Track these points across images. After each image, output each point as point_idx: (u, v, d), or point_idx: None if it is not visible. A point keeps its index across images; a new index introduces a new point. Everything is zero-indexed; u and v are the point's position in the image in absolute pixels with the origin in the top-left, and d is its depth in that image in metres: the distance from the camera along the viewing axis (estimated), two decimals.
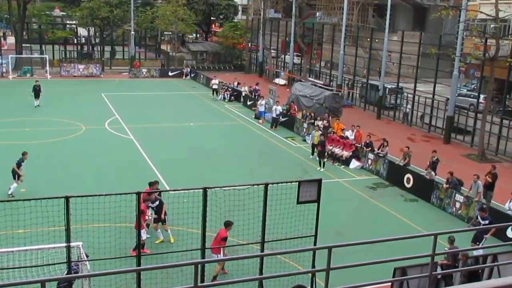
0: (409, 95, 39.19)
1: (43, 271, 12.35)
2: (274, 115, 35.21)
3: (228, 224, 15.26)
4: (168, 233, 17.30)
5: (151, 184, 17.33)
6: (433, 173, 23.37)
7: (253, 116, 38.15)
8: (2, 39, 69.41)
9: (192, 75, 58.33)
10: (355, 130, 29.21)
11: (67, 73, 55.00)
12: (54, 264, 12.32)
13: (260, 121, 36.77)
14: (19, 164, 20.83)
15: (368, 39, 46.33)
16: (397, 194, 23.42)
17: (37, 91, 37.80)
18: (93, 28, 68.89)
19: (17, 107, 37.69)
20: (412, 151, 26.08)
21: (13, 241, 12.89)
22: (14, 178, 20.63)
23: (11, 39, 71.27)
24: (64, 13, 78.25)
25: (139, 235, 12.46)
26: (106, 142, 29.61)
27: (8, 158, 25.70)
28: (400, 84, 41.22)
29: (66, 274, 11.54)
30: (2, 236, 12.50)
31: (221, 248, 15.05)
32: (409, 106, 38.77)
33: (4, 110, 36.65)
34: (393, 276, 12.77)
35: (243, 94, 44.02)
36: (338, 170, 26.59)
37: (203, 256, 12.15)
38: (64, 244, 11.33)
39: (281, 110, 35.45)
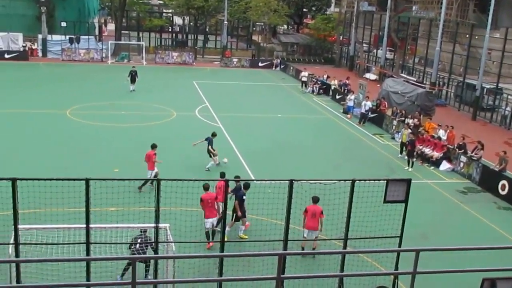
0: (509, 97, 37.28)
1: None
2: (363, 111, 34.66)
3: (317, 200, 15.72)
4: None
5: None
6: None
7: (341, 111, 37.78)
8: (103, 25, 72.83)
9: (281, 67, 58.58)
10: (447, 131, 28.19)
11: (162, 60, 56.91)
12: (142, 243, 12.87)
13: (348, 116, 36.35)
14: (210, 144, 23.25)
15: (467, 36, 44.42)
16: (490, 201, 22.39)
17: (133, 76, 39.43)
18: (188, 17, 70.73)
19: (114, 91, 39.52)
20: (509, 157, 24.81)
21: (106, 218, 13.58)
22: (210, 156, 23.31)
23: (111, 26, 74.78)
24: (161, 2, 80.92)
25: (224, 222, 12.70)
26: (196, 129, 30.35)
27: (105, 138, 27.13)
28: (500, 85, 39.23)
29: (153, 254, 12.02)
30: (96, 212, 13.19)
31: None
32: (508, 108, 36.90)
33: (102, 93, 38.57)
34: None
35: (332, 87, 43.67)
36: (427, 171, 25.80)
37: (285, 248, 12.23)
38: (153, 225, 11.78)
39: (370, 106, 34.84)
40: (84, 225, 11.06)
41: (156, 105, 35.55)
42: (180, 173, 21.57)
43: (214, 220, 15.96)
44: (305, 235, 15.66)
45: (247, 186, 16.69)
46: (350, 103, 36.92)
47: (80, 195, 10.87)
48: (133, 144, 26.22)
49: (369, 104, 34.77)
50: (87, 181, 10.62)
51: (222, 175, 17.50)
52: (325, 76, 47.15)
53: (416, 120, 30.91)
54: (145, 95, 38.50)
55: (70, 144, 25.85)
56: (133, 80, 39.41)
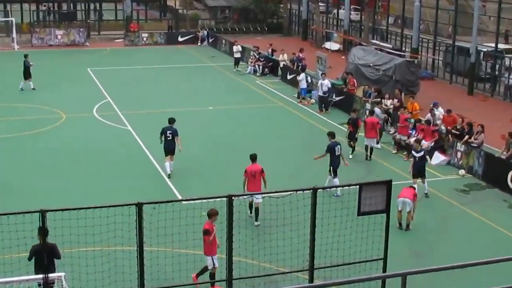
0: None
1: None
2: (320, 93, 34.63)
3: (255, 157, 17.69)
4: None
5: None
6: None
7: (296, 95, 37.87)
8: None
9: (210, 41, 58.47)
10: (445, 114, 28.48)
11: (41, 42, 55.84)
12: None
13: (305, 102, 36.38)
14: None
15: None
16: (499, 199, 23.01)
17: (26, 68, 38.02)
18: None
19: None
20: None
21: None
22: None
23: None
24: None
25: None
26: (95, 135, 29.90)
27: None
28: (499, 46, 40.42)
29: None
30: None
31: None
32: None
33: None
34: None
35: (281, 64, 43.79)
36: None
37: None
38: (41, 276, 11.48)
39: (329, 86, 34.72)
40: None
41: (36, 106, 34.75)
42: (75, 197, 21.08)
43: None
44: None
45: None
46: (302, 85, 36.79)
47: None
48: (9, 160, 25.61)
49: (326, 83, 34.59)
50: None
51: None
52: (269, 50, 47.29)
53: (396, 100, 31.07)
54: (19, 93, 37.61)
55: None
56: (26, 74, 38.02)
